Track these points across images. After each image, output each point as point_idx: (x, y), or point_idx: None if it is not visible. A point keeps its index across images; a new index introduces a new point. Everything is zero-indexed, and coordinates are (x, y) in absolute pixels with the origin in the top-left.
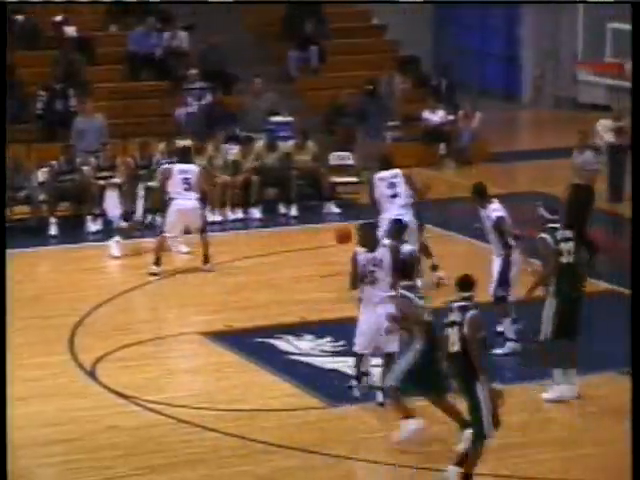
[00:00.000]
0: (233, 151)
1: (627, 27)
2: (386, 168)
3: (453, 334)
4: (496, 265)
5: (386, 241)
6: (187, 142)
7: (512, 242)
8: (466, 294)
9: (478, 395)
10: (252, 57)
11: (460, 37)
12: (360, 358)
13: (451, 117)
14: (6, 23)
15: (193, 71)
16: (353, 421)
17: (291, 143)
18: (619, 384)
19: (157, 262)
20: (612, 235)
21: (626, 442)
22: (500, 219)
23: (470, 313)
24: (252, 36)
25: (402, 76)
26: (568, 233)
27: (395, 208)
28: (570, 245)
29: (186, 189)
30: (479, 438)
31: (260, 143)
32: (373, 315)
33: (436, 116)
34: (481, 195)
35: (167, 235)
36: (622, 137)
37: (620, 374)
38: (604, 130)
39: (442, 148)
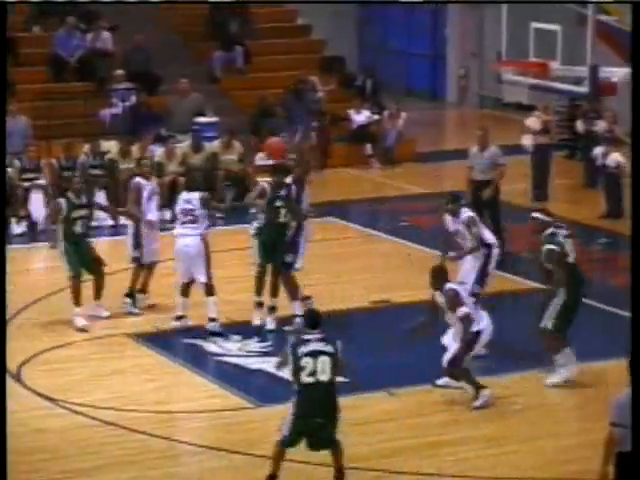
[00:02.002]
0: (157, 152)
1: (550, 27)
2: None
3: (319, 363)
4: (472, 263)
5: None
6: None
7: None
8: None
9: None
10: (177, 57)
11: (385, 37)
12: None
13: (376, 117)
14: (6, 23)
15: (118, 72)
16: (280, 421)
17: (217, 143)
18: (542, 381)
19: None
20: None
21: (548, 438)
22: (472, 217)
23: (338, 342)
24: (177, 36)
25: (327, 76)
26: (564, 232)
27: None
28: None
29: None
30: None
31: (186, 144)
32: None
33: (361, 116)
34: (456, 202)
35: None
36: (546, 136)
37: (545, 373)
38: (529, 129)
39: (368, 148)
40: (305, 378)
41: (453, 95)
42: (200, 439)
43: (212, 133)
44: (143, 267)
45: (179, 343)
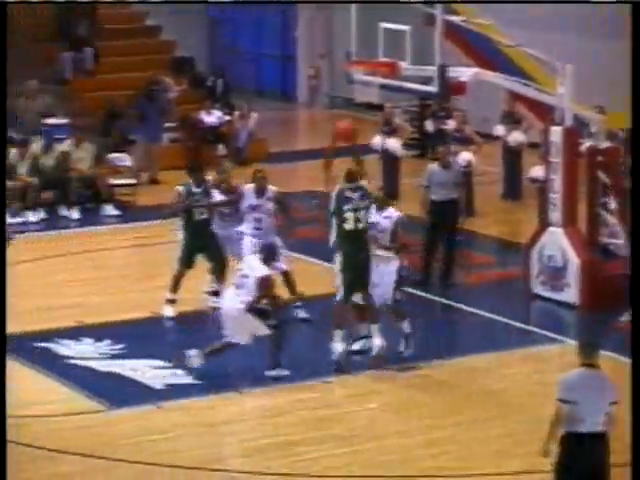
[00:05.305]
0: (10, 154)
1: (399, 27)
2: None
3: None
4: (390, 269)
5: None
6: None
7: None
8: None
9: None
10: (25, 59)
11: (235, 37)
12: None
13: (227, 118)
14: (6, 23)
15: None
16: (133, 424)
17: (68, 142)
18: (398, 380)
19: None
20: None
21: (396, 436)
22: (401, 218)
23: None
24: (25, 38)
25: (177, 77)
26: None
27: None
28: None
29: None
30: None
31: (36, 145)
32: None
33: (212, 117)
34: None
35: None
36: (395, 136)
37: (400, 371)
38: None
39: (220, 149)
40: None
41: (304, 95)
42: (51, 443)
43: (62, 134)
44: None
45: (29, 347)
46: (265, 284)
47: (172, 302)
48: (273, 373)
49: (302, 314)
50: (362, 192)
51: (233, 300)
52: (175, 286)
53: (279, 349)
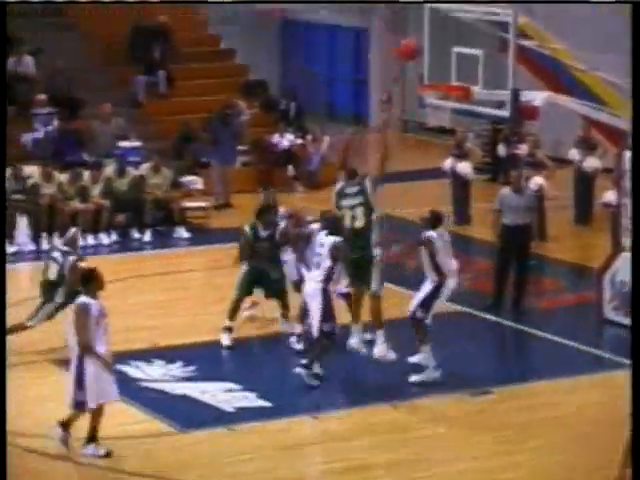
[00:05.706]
0: (84, 177)
1: (471, 51)
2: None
3: None
4: (425, 287)
5: None
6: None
7: (447, 270)
8: None
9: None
10: (99, 81)
11: (308, 61)
12: None
13: (300, 141)
14: (6, 23)
15: (41, 96)
16: (204, 446)
17: (145, 166)
18: (469, 405)
19: None
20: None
21: (467, 461)
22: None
23: None
24: (98, 60)
25: (250, 100)
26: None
27: None
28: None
29: None
30: None
31: (110, 168)
32: None
33: (285, 140)
34: (439, 221)
35: None
36: (466, 160)
37: (471, 396)
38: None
39: (290, 170)
40: None
41: (376, 119)
42: (124, 465)
43: (135, 158)
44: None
45: None
46: (337, 250)
47: (229, 330)
48: (302, 372)
49: (367, 336)
50: (358, 188)
51: (314, 282)
52: (233, 312)
53: (321, 354)
